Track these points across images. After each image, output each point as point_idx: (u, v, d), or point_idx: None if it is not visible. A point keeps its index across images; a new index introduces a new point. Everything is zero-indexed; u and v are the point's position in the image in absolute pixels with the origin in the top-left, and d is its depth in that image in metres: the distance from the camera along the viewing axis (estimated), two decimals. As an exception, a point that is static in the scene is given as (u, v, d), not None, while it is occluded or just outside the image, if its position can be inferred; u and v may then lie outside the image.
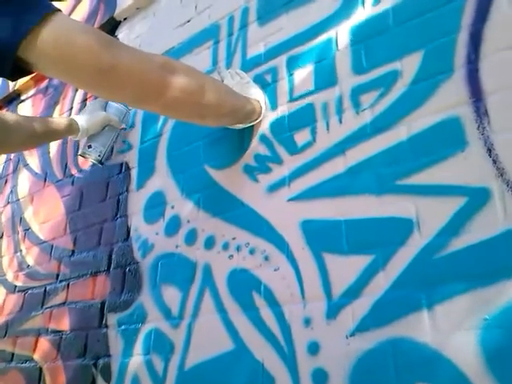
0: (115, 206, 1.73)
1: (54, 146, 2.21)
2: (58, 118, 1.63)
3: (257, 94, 1.40)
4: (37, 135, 1.39)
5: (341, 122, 1.24)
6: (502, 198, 0.94)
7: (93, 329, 1.60)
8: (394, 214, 1.08)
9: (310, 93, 1.33)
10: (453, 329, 0.93)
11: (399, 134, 1.13)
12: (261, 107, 1.39)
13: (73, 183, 1.98)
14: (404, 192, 1.08)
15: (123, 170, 1.78)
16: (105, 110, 1.57)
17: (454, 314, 0.94)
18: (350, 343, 1.04)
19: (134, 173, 1.73)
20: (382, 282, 1.04)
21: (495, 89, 1.02)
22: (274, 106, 1.40)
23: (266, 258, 1.26)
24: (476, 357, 0.88)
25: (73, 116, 1.53)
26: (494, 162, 0.97)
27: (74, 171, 2.01)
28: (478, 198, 0.97)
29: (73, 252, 1.82)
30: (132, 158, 1.76)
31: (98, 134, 1.57)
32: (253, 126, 1.42)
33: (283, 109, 1.37)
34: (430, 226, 1.02)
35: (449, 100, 1.09)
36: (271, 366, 1.15)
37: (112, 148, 1.60)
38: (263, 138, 1.39)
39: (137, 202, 1.66)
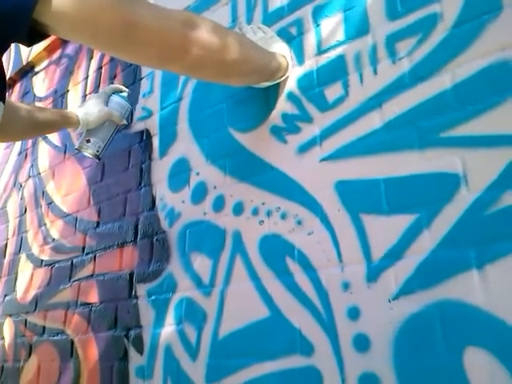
0: (138, 176, 1.68)
1: (71, 118, 2.15)
2: (59, 110, 1.59)
3: (282, 49, 1.31)
4: (37, 125, 1.36)
5: (376, 73, 1.15)
6: (562, 146, 0.86)
7: (122, 300, 1.58)
8: (439, 170, 1.00)
9: (340, 44, 1.24)
10: (506, 289, 0.87)
11: (442, 82, 1.04)
12: (287, 63, 1.30)
13: (93, 154, 1.94)
14: (449, 145, 1.00)
15: (144, 138, 1.72)
16: (107, 105, 1.49)
17: (506, 274, 0.87)
18: (393, 307, 0.99)
19: (155, 140, 1.67)
20: (427, 242, 0.97)
21: (553, 25, 0.92)
22: (301, 60, 1.31)
23: (299, 223, 1.20)
24: (535, 317, 0.82)
25: (74, 108, 1.47)
26: (553, 106, 0.88)
27: (93, 142, 1.96)
28: (534, 147, 0.89)
29: (98, 224, 1.79)
30: (153, 125, 1.70)
31: (98, 129, 1.48)
32: (279, 83, 1.34)
33: (311, 63, 1.28)
34: (478, 181, 0.94)
35: (497, 42, 0.99)
36: (309, 332, 1.11)
37: (110, 143, 1.53)
38: (291, 96, 1.31)
39: (160, 170, 1.61)
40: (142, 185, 1.66)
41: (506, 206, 0.89)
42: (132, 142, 1.77)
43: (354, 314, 1.05)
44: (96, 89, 2.08)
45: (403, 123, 1.08)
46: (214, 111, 1.49)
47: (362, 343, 1.02)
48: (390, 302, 1.00)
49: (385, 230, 1.04)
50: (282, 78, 1.32)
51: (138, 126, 1.77)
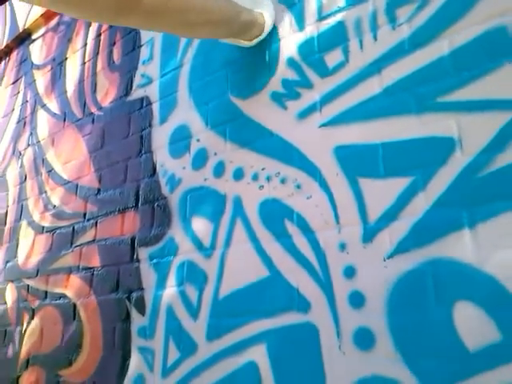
0: (139, 142, 1.70)
1: (70, 85, 2.16)
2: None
3: (266, 7, 1.30)
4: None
5: (376, 39, 1.17)
6: (555, 110, 0.89)
7: (124, 264, 1.62)
8: (435, 134, 1.03)
9: (341, 10, 1.25)
10: (495, 247, 0.91)
11: (440, 48, 1.06)
12: (264, 21, 1.29)
13: (93, 122, 1.95)
14: (445, 110, 1.03)
15: (144, 105, 1.73)
16: None
17: (497, 232, 0.91)
18: (388, 266, 1.03)
19: (155, 107, 1.68)
20: (421, 203, 1.01)
21: (551, -10, 0.93)
22: (301, 26, 1.32)
23: (298, 187, 1.24)
24: (522, 273, 0.87)
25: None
26: (547, 71, 0.91)
27: (93, 109, 1.97)
28: (528, 111, 0.91)
29: (99, 190, 1.82)
30: (153, 92, 1.71)
31: None
32: (278, 49, 1.35)
33: (312, 29, 1.29)
34: (472, 144, 0.97)
35: (494, 8, 1.01)
36: (306, 290, 1.15)
37: None
38: (291, 62, 1.32)
39: (161, 136, 1.63)
40: (143, 152, 1.68)
41: (498, 168, 0.93)
42: (132, 109, 1.78)
43: (349, 272, 1.09)
44: (95, 56, 2.07)
45: (401, 89, 1.10)
46: (214, 78, 1.51)
47: (357, 300, 1.06)
48: (384, 260, 1.04)
49: (381, 192, 1.08)
50: (260, 38, 1.32)
51: (137, 93, 1.78)
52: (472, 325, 0.90)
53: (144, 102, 1.74)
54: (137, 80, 1.79)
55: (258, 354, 1.20)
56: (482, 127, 0.96)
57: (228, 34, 1.29)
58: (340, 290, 1.10)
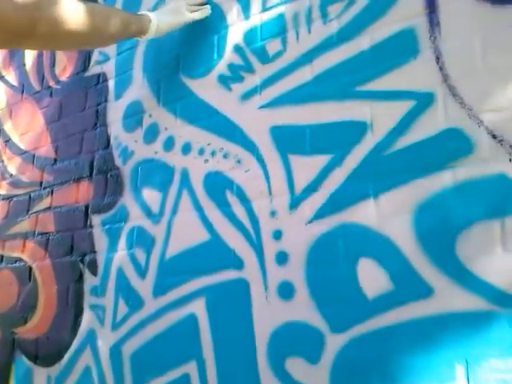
0: (94, 116, 1.80)
1: (29, 58, 2.20)
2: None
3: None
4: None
5: (309, 31, 1.32)
6: (444, 101, 1.07)
7: (78, 229, 1.74)
8: (352, 118, 1.20)
9: (282, 3, 1.39)
10: (393, 213, 1.09)
11: (362, 43, 1.23)
12: (149, 27, 1.40)
13: (51, 95, 2.02)
14: (362, 97, 1.20)
15: (101, 81, 1.83)
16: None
17: (395, 201, 1.10)
18: (308, 229, 1.21)
19: (111, 83, 1.78)
20: (337, 177, 1.19)
21: (448, 1, 1.11)
22: (247, 16, 1.46)
23: (239, 161, 1.39)
24: (411, 235, 1.05)
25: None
26: (441, 68, 1.09)
27: (51, 83, 2.04)
28: (424, 102, 1.09)
29: (55, 160, 1.91)
30: (109, 69, 1.81)
31: None
32: (226, 35, 1.48)
33: (256, 19, 1.43)
34: (381, 127, 1.15)
35: (408, 11, 1.18)
36: (241, 251, 1.32)
37: None
38: (237, 48, 1.46)
39: (115, 111, 1.73)
40: (98, 125, 1.78)
41: (398, 148, 1.11)
42: (89, 85, 1.87)
43: (277, 235, 1.26)
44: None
45: (329, 77, 1.26)
46: (167, 58, 1.62)
47: (282, 259, 1.24)
48: (306, 225, 1.21)
49: (306, 167, 1.25)
50: (148, 36, 1.42)
51: (95, 70, 1.87)
52: (371, 277, 1.09)
53: (100, 78, 1.83)
54: (94, 57, 1.87)
55: (198, 307, 1.36)
56: (389, 113, 1.14)
57: (117, 41, 1.53)
58: (268, 251, 1.27)
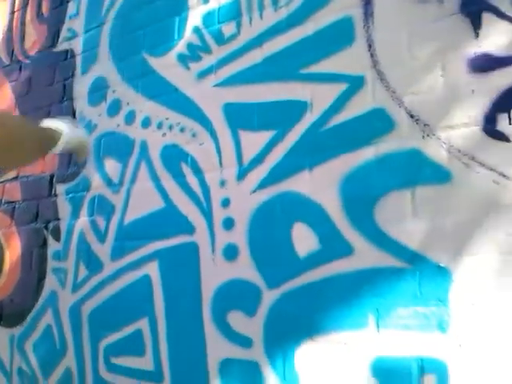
0: (62, 91, 1.88)
1: (-1, 32, 2.25)
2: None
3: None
4: None
5: (261, 17, 1.43)
6: (372, 84, 1.20)
7: (43, 198, 1.82)
8: (295, 98, 1.32)
9: (238, -11, 1.49)
10: (324, 184, 1.22)
11: (306, 29, 1.34)
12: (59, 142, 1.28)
13: (20, 69, 2.08)
14: (304, 79, 1.32)
15: (69, 57, 1.90)
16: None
17: (326, 173, 1.23)
18: (252, 198, 1.33)
19: (78, 59, 1.86)
20: (279, 151, 1.31)
21: (381, -6, 1.24)
22: (206, 0, 1.56)
23: (194, 135, 1.50)
24: (338, 202, 1.19)
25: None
26: (372, 55, 1.22)
27: (20, 57, 2.10)
28: (355, 84, 1.22)
29: (22, 132, 1.98)
30: (77, 46, 1.88)
31: None
32: (187, 17, 1.58)
33: (214, 3, 1.53)
34: (318, 107, 1.27)
35: (346, 1, 1.30)
36: (193, 218, 1.43)
37: None
38: (196, 30, 1.56)
39: (81, 86, 1.82)
40: (65, 99, 1.86)
41: (331, 126, 1.24)
42: (57, 60, 1.94)
43: (225, 203, 1.38)
44: (24, 7, 2.17)
45: (276, 60, 1.38)
46: (132, 37, 1.71)
47: (228, 224, 1.36)
48: (250, 194, 1.34)
49: (253, 142, 1.37)
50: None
51: (63, 46, 1.94)
52: (303, 239, 1.22)
53: (68, 54, 1.90)
54: (63, 33, 1.94)
55: (152, 269, 1.48)
56: (326, 95, 1.27)
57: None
58: (217, 217, 1.39)
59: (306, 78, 1.32)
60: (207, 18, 1.55)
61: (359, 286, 1.13)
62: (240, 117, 1.41)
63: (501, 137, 1.03)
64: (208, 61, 1.51)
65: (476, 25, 1.09)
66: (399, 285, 1.09)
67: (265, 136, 1.35)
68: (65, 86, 1.88)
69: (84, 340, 1.58)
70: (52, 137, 1.27)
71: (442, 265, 1.04)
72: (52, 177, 1.82)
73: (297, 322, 1.20)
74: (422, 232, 1.08)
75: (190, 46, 1.56)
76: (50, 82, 1.94)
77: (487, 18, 1.08)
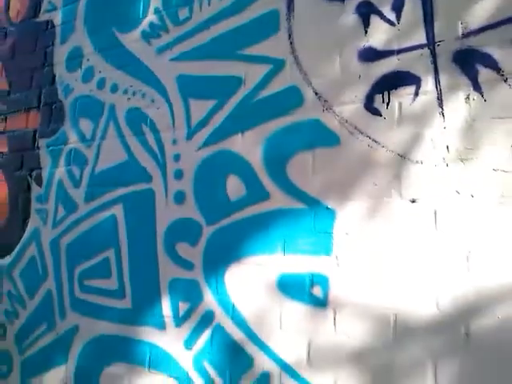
0: (43, 57, 2.15)
1: (-15, -1, 2.48)
2: None
3: None
4: None
5: (209, 4, 1.72)
6: (290, 67, 1.52)
7: (28, 150, 2.13)
8: (233, 74, 1.63)
9: (190, -22, 1.77)
10: (252, 144, 1.56)
11: (245, 16, 1.64)
12: None
13: (6, 36, 2.34)
14: (241, 59, 1.63)
15: (49, 27, 2.17)
16: None
17: (254, 136, 1.56)
18: (198, 154, 1.66)
19: (58, 30, 2.13)
20: (219, 117, 1.64)
21: (301, -8, 1.54)
22: (165, -14, 1.84)
23: (152, 101, 1.81)
24: (261, 160, 1.53)
25: None
26: (291, 43, 1.53)
27: (5, 25, 2.35)
28: (278, 66, 1.54)
29: (9, 93, 2.26)
30: (56, 18, 2.15)
31: None
32: (150, 0, 1.86)
33: (172, -11, 1.82)
34: (250, 82, 1.59)
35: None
36: (151, 169, 1.77)
37: None
38: (157, 11, 1.85)
39: (60, 54, 2.10)
40: (46, 65, 2.14)
41: (259, 99, 1.56)
42: (39, 29, 2.20)
43: (176, 158, 1.71)
44: (8, -24, 2.40)
45: (220, 41, 1.68)
46: (103, 14, 1.98)
47: (178, 175, 1.70)
48: (196, 151, 1.67)
49: (199, 108, 1.69)
50: None
51: (44, 17, 2.20)
52: (234, 186, 1.57)
53: (49, 25, 2.17)
54: (44, 6, 2.20)
55: (117, 210, 1.82)
56: (256, 72, 1.58)
57: None
58: (170, 169, 1.72)
59: (242, 58, 1.63)
60: (166, 1, 1.83)
61: (273, 221, 1.49)
62: (190, 87, 1.73)
63: (376, 112, 1.37)
64: (166, 38, 1.81)
65: (366, 24, 1.42)
66: (300, 221, 1.45)
67: (208, 104, 1.67)
68: (46, 53, 2.15)
69: (62, 267, 1.94)
70: None
71: (329, 207, 1.40)
72: (35, 132, 2.12)
73: (227, 249, 1.56)
74: (318, 182, 1.43)
75: (151, 24, 1.85)
76: (32, 48, 2.21)
77: (374, 19, 1.40)
